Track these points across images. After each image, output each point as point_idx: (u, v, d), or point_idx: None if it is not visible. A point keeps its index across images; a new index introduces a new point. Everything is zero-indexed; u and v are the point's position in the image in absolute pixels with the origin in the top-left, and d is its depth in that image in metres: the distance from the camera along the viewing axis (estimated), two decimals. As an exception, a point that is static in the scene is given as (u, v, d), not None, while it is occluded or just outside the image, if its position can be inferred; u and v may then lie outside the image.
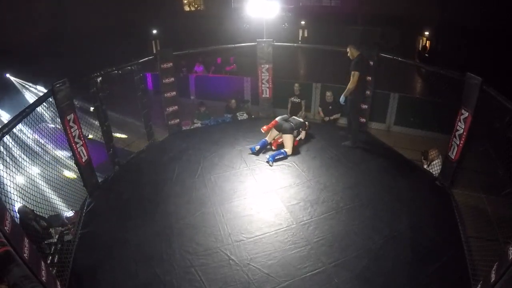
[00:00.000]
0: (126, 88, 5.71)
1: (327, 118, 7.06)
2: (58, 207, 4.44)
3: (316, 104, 7.69)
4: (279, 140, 5.61)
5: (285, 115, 5.86)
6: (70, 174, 5.08)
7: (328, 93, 7.01)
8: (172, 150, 5.80)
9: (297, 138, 5.74)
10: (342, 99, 5.41)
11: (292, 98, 7.24)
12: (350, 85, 5.22)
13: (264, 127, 5.70)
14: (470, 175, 4.66)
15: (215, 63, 10.71)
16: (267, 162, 5.24)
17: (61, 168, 5.16)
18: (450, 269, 3.38)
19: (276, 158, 5.28)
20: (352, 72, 5.18)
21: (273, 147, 5.63)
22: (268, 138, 5.65)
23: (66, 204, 4.48)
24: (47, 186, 4.26)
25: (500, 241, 3.54)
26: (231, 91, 8.40)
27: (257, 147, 5.51)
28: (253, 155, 5.50)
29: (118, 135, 6.79)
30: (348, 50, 5.32)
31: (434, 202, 4.37)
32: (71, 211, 4.46)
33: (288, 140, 5.40)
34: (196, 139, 6.15)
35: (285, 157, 5.37)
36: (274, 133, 5.60)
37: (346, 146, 5.68)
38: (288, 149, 5.38)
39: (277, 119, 5.64)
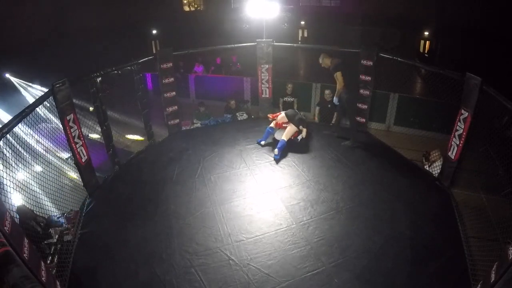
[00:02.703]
0: (126, 88, 5.71)
1: (331, 124, 7.00)
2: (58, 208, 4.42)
3: (315, 104, 7.67)
4: (283, 125, 5.76)
5: (289, 110, 6.04)
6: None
7: (327, 91, 6.99)
8: (172, 150, 5.80)
9: (299, 138, 5.74)
10: (335, 100, 5.64)
11: (285, 98, 7.22)
12: (338, 86, 5.46)
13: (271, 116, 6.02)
14: (470, 175, 4.66)
15: (214, 63, 10.69)
16: (275, 159, 5.36)
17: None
18: (450, 269, 3.39)
19: (281, 150, 5.40)
20: (335, 74, 5.40)
21: (275, 127, 5.84)
22: (273, 125, 5.84)
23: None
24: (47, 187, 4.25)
25: (500, 241, 3.53)
26: (231, 91, 8.40)
27: (263, 142, 5.77)
28: (253, 155, 5.51)
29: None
30: (321, 61, 5.54)
31: (434, 202, 4.37)
32: (71, 211, 4.45)
33: (291, 130, 5.56)
34: (196, 139, 6.15)
35: (285, 145, 5.50)
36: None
37: (346, 146, 5.69)
38: (286, 138, 5.52)
39: (283, 112, 5.88)
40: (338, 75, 5.36)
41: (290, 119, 5.62)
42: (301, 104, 7.30)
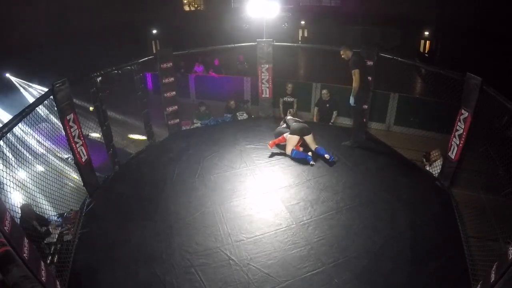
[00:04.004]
0: (126, 88, 5.71)
1: (330, 123, 7.00)
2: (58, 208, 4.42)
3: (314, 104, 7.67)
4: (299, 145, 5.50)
5: (289, 119, 5.79)
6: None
7: (324, 91, 6.98)
8: (172, 150, 5.80)
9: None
10: (351, 100, 5.42)
11: (285, 98, 7.22)
12: (355, 83, 5.27)
13: (271, 142, 5.57)
14: (470, 175, 4.66)
15: (213, 65, 10.55)
16: (330, 159, 5.18)
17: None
18: (450, 269, 3.38)
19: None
20: (353, 71, 5.23)
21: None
22: (298, 148, 5.45)
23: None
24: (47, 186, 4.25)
25: (500, 241, 3.53)
26: (231, 91, 8.39)
27: (312, 163, 5.20)
28: (253, 155, 5.51)
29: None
30: (342, 52, 5.37)
31: (434, 202, 4.37)
32: (71, 211, 4.45)
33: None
34: (196, 139, 6.15)
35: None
36: (294, 140, 5.40)
37: (346, 146, 5.70)
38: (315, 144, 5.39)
39: (285, 135, 5.49)
40: (355, 73, 5.20)
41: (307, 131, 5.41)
42: (301, 104, 7.29)
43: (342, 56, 5.40)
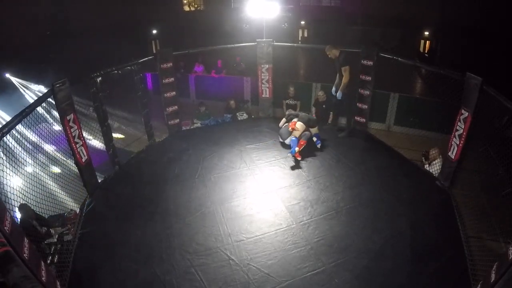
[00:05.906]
0: (126, 88, 5.71)
1: (327, 123, 7.04)
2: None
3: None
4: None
5: (296, 113, 5.95)
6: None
7: (320, 93, 7.03)
8: (172, 150, 5.80)
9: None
10: (339, 94, 5.61)
11: (288, 101, 7.24)
12: (345, 79, 5.47)
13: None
14: (470, 175, 4.66)
15: (215, 67, 10.51)
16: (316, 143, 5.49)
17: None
18: (450, 269, 3.38)
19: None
20: (343, 68, 5.43)
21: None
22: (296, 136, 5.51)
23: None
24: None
25: (500, 241, 3.53)
26: (231, 91, 8.39)
27: (297, 149, 5.20)
28: (253, 155, 5.51)
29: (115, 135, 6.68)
30: (327, 52, 5.55)
31: (434, 202, 4.37)
32: (71, 211, 4.45)
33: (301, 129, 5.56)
34: (196, 139, 6.15)
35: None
36: (301, 127, 5.56)
37: (342, 137, 5.89)
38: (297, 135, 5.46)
39: (296, 121, 5.64)
40: (346, 70, 5.42)
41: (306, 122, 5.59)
42: (303, 106, 7.30)
43: (329, 56, 5.59)
